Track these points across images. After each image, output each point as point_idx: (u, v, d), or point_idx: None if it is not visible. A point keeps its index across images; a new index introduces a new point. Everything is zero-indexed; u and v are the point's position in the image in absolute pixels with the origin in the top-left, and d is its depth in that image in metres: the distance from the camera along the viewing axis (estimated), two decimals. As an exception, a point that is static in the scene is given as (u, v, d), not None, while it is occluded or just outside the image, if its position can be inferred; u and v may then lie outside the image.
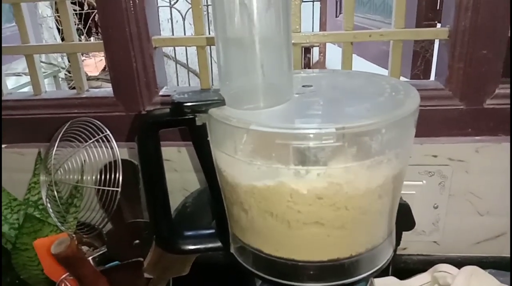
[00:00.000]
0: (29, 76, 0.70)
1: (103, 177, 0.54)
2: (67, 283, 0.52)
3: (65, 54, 2.60)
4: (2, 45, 0.67)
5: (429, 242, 0.66)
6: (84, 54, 3.17)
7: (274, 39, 0.36)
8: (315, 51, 2.96)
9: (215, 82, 0.69)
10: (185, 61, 2.70)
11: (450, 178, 0.62)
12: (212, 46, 0.65)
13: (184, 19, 2.48)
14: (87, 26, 2.99)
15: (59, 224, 0.58)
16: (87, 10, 2.96)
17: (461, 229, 0.65)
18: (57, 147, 0.56)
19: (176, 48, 2.58)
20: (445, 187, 0.62)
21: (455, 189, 0.63)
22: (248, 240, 0.41)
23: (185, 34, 2.39)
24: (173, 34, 2.59)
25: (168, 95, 0.66)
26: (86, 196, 0.57)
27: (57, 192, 0.57)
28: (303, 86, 0.41)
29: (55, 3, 0.69)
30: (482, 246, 0.66)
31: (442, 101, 0.61)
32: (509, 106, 0.60)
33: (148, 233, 0.56)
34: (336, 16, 2.74)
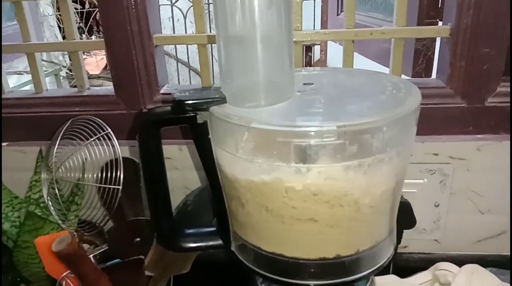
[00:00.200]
0: (30, 75, 0.70)
1: (104, 175, 0.54)
2: (68, 281, 0.52)
3: (66, 52, 2.60)
4: (4, 43, 0.67)
5: (430, 240, 0.66)
6: (85, 53, 3.17)
7: (276, 38, 0.36)
8: (317, 50, 2.96)
9: (216, 81, 0.69)
10: (186, 60, 2.70)
11: (451, 176, 0.62)
12: (213, 44, 0.65)
13: (185, 17, 2.48)
14: (88, 25, 2.99)
15: (60, 222, 0.58)
16: (88, 8, 2.96)
17: (462, 227, 0.65)
18: (58, 145, 0.56)
19: (177, 46, 2.58)
20: (446, 185, 0.62)
21: (456, 187, 0.63)
22: (246, 237, 0.41)
23: (186, 32, 2.39)
24: (174, 33, 2.59)
25: (169, 94, 0.66)
26: (87, 194, 0.57)
27: (58, 190, 0.57)
28: (304, 84, 0.41)
29: (56, 1, 0.69)
30: (483, 244, 0.66)
31: (443, 100, 0.61)
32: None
33: (149, 231, 0.56)
34: (338, 14, 2.73)
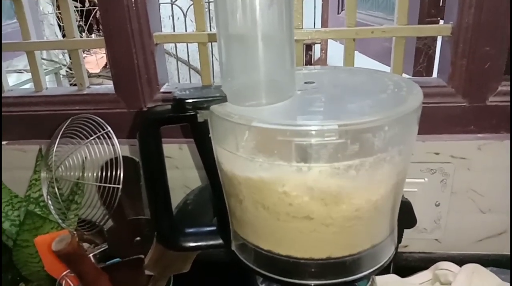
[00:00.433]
0: (30, 73, 0.70)
1: (104, 173, 0.54)
2: (68, 280, 0.52)
3: (66, 51, 2.60)
4: (3, 41, 0.67)
5: (431, 240, 0.66)
6: (85, 51, 3.17)
7: (277, 36, 0.36)
8: (317, 48, 2.96)
9: (216, 79, 0.69)
10: (187, 58, 2.69)
11: (452, 176, 0.62)
12: (213, 43, 0.65)
13: (185, 16, 2.48)
14: (88, 23, 2.99)
15: (60, 221, 0.58)
16: (88, 7, 2.96)
17: (463, 227, 0.65)
18: (58, 144, 0.56)
19: (177, 45, 2.58)
20: (447, 184, 0.62)
21: (457, 187, 0.62)
22: (246, 236, 0.41)
23: (186, 31, 2.39)
24: (174, 31, 2.59)
25: (170, 92, 0.66)
26: (87, 193, 0.57)
27: (58, 188, 0.57)
28: (305, 83, 0.41)
29: (56, 0, 0.69)
30: (483, 244, 0.66)
31: (444, 99, 0.61)
32: (512, 103, 0.60)
33: (149, 230, 0.56)
34: (338, 13, 2.72)
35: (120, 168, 0.53)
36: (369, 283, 0.46)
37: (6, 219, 0.61)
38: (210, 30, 0.63)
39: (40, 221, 0.56)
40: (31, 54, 0.68)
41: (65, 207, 0.58)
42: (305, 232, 0.36)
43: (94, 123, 0.56)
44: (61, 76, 2.53)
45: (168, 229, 0.44)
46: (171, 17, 2.49)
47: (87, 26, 2.97)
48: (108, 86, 0.69)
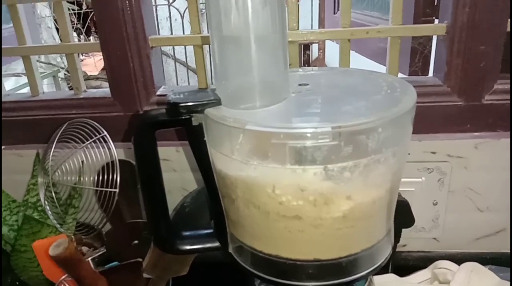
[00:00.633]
0: (27, 77, 0.70)
1: (101, 177, 0.54)
2: (66, 285, 0.52)
3: (64, 55, 2.60)
4: (-1, 46, 0.67)
5: (429, 239, 0.66)
6: (84, 54, 3.17)
7: (270, 38, 0.36)
8: (315, 48, 2.96)
9: (214, 81, 0.69)
10: (185, 60, 2.70)
11: (449, 174, 0.62)
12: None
13: (182, 17, 2.48)
14: (86, 26, 2.99)
15: (58, 225, 0.58)
16: (85, 9, 2.96)
17: (461, 226, 0.65)
18: (54, 148, 0.56)
19: (175, 47, 2.58)
20: (444, 183, 0.62)
21: (455, 185, 0.62)
22: (242, 238, 0.41)
23: (183, 32, 2.39)
24: (171, 33, 2.59)
25: (166, 95, 0.66)
26: (84, 196, 0.57)
27: (55, 193, 0.57)
28: (300, 85, 0.41)
29: (53, 3, 0.69)
30: (482, 242, 0.66)
31: (440, 98, 0.61)
32: (508, 101, 0.60)
33: (147, 233, 0.56)
34: (334, 13, 2.73)
35: (116, 172, 0.53)
36: (367, 283, 0.46)
37: (4, 224, 0.61)
38: (207, 32, 0.63)
39: (38, 225, 0.56)
40: (27, 59, 0.68)
41: (63, 211, 0.58)
42: (294, 232, 0.36)
43: (90, 127, 0.56)
44: (60, 79, 2.53)
45: (165, 232, 0.44)
46: (168, 19, 2.49)
47: (84, 29, 2.97)
48: (104, 90, 0.69)
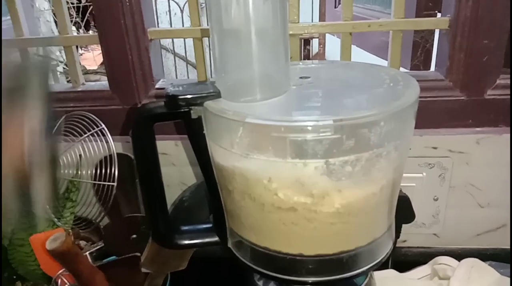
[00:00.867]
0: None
1: (99, 171, 0.54)
2: (64, 279, 0.51)
3: (63, 48, 2.58)
4: (-4, 38, 0.66)
5: (429, 235, 0.66)
6: (83, 48, 3.15)
7: (271, 31, 0.35)
8: (315, 43, 2.94)
9: (213, 75, 0.69)
10: (184, 54, 2.68)
11: (451, 170, 0.61)
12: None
13: (182, 11, 2.46)
14: (85, 19, 2.97)
15: (55, 219, 0.57)
16: (84, 3, 2.94)
17: (461, 221, 0.65)
18: (52, 142, 0.56)
19: (174, 41, 2.56)
20: (445, 179, 0.62)
21: (456, 181, 0.62)
22: (241, 232, 0.40)
23: (183, 26, 2.38)
24: (171, 27, 2.58)
25: (165, 88, 0.65)
26: (82, 190, 0.57)
27: (53, 186, 0.57)
28: (301, 77, 0.41)
29: (50, -5, 0.68)
30: (482, 238, 0.66)
31: (442, 92, 0.60)
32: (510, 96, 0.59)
33: (145, 227, 0.56)
34: (335, 7, 2.72)
35: (114, 165, 0.53)
36: (367, 279, 0.46)
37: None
38: (207, 25, 0.62)
39: (35, 219, 0.55)
40: (24, 51, 0.67)
41: (60, 205, 0.58)
42: (290, 226, 0.36)
43: (88, 120, 0.55)
44: (58, 73, 2.52)
45: (164, 227, 0.43)
46: (168, 13, 2.47)
47: (83, 23, 2.95)
48: (102, 83, 0.68)
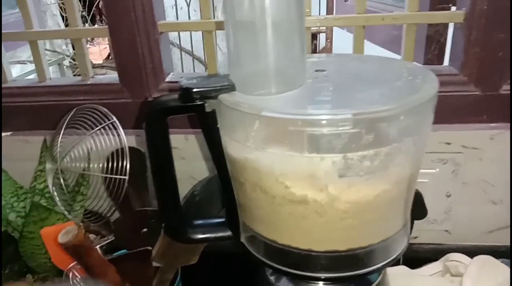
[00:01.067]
0: (33, 64, 0.69)
1: (110, 164, 0.54)
2: (75, 272, 0.51)
3: (69, 42, 2.58)
4: (6, 31, 0.66)
5: (441, 231, 0.65)
6: (89, 42, 3.15)
7: (287, 23, 0.35)
8: (322, 37, 2.92)
9: (219, 70, 0.68)
10: (190, 49, 2.67)
11: (464, 166, 0.60)
12: (217, 32, 0.63)
13: (188, 5, 2.45)
14: (91, 13, 2.97)
15: (66, 212, 0.57)
16: (91, -3, 2.93)
17: (474, 218, 0.64)
18: (62, 134, 0.55)
19: (180, 35, 2.56)
20: (458, 175, 0.61)
21: (469, 177, 0.61)
22: (256, 227, 0.40)
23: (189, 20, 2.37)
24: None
25: (175, 82, 0.65)
26: (93, 184, 0.57)
27: (64, 180, 0.57)
28: (316, 71, 0.40)
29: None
30: (494, 235, 0.65)
31: (456, 87, 0.59)
32: (526, 92, 0.58)
33: (155, 221, 0.56)
34: (345, 0, 2.68)
35: (126, 158, 0.52)
36: (381, 276, 0.45)
37: (12, 210, 0.60)
38: (214, 18, 0.62)
39: (46, 212, 0.55)
40: (34, 44, 0.67)
41: (71, 198, 0.58)
42: (298, 218, 0.35)
43: (99, 113, 0.55)
44: (65, 67, 2.52)
45: (177, 220, 0.43)
46: (174, 7, 2.46)
47: (89, 17, 2.95)
48: (112, 76, 0.68)
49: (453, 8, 0.63)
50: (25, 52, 1.96)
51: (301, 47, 0.36)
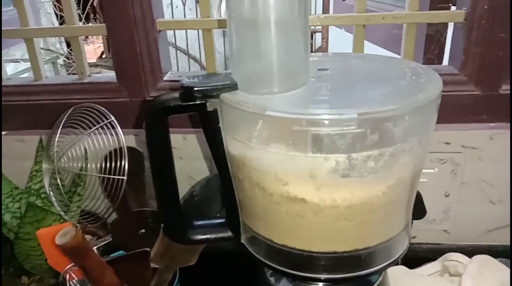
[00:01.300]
0: (27, 63, 0.68)
1: (107, 164, 0.53)
2: (72, 274, 0.50)
3: (63, 40, 2.56)
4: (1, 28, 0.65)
5: (440, 231, 0.65)
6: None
7: (291, 21, 0.34)
8: (318, 37, 2.92)
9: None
10: (185, 47, 2.67)
11: (463, 166, 0.60)
12: (214, 31, 0.62)
13: (184, 4, 2.44)
14: (85, 12, 2.95)
15: (62, 213, 0.56)
16: (85, -5, 2.91)
17: (472, 218, 0.64)
18: (59, 134, 0.55)
19: (176, 34, 2.55)
20: (457, 174, 0.61)
21: (468, 177, 0.61)
22: (256, 228, 0.39)
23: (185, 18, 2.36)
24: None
25: (173, 81, 0.64)
26: (90, 184, 0.56)
27: (60, 180, 0.56)
28: (319, 69, 0.39)
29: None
30: (493, 235, 0.65)
31: (456, 87, 0.59)
32: (525, 92, 0.58)
33: (152, 221, 0.55)
34: (344, 0, 2.68)
35: (124, 158, 0.52)
36: (381, 277, 0.45)
37: (7, 211, 0.59)
38: (214, 16, 0.61)
39: (42, 213, 0.54)
40: (30, 41, 0.66)
41: (68, 198, 0.57)
42: (294, 218, 0.35)
43: (96, 112, 0.54)
44: (59, 65, 2.50)
45: (176, 221, 0.43)
46: (170, 6, 2.45)
47: (84, 15, 2.93)
48: (109, 74, 0.67)
49: (453, 8, 0.63)
50: (19, 51, 1.94)
51: (305, 46, 0.36)
